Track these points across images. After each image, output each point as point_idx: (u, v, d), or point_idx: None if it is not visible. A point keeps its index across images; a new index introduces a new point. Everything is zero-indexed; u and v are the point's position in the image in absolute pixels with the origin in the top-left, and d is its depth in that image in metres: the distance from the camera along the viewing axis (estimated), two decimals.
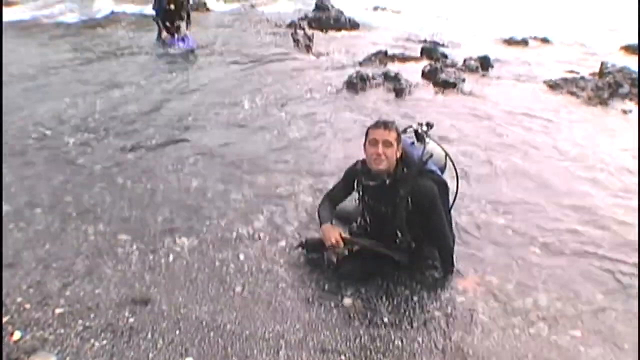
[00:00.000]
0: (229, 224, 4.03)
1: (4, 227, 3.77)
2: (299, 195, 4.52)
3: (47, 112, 6.31)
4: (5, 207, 4.03)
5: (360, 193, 3.53)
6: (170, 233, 3.86)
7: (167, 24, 10.05)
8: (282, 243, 3.83)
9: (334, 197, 3.75)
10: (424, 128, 3.67)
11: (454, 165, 3.70)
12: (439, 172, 3.49)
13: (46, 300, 3.04)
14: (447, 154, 3.69)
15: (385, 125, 3.27)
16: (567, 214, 4.40)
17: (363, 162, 3.50)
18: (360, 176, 3.46)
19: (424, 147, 3.47)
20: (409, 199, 3.25)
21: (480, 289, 3.41)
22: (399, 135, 3.29)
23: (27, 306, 2.96)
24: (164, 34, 10.03)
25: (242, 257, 3.64)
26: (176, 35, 10.02)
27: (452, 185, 3.60)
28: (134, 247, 3.67)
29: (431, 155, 3.42)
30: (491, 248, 3.88)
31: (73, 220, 3.94)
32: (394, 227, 3.37)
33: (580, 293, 3.42)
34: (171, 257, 3.59)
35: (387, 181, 3.28)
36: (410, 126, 3.69)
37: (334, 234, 3.36)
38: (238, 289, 3.32)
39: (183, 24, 10.15)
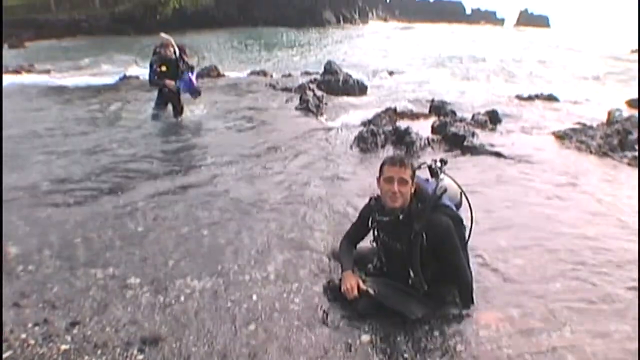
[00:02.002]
0: (242, 268, 3.93)
1: (12, 270, 3.71)
2: (312, 240, 4.43)
3: (60, 162, 6.48)
4: (14, 250, 3.98)
5: (375, 231, 3.48)
6: (181, 276, 3.76)
7: (164, 89, 9.16)
8: (296, 285, 3.70)
9: (351, 237, 3.77)
10: (438, 164, 3.63)
11: (467, 200, 3.62)
12: (453, 207, 3.42)
13: (52, 337, 2.93)
14: (462, 191, 3.61)
15: (400, 162, 3.24)
16: (585, 253, 4.28)
17: (377, 198, 3.46)
18: (375, 212, 3.42)
19: (438, 182, 3.43)
20: (424, 235, 3.18)
21: (503, 323, 3.26)
22: (414, 172, 3.28)
23: (32, 342, 2.87)
24: (168, 82, 9.01)
25: (255, 297, 3.52)
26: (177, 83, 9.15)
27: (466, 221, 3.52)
28: (144, 289, 3.57)
29: (445, 190, 3.35)
30: (511, 285, 3.75)
31: (82, 264, 3.86)
32: (408, 266, 3.28)
33: (607, 325, 3.27)
34: (182, 299, 3.47)
35: (401, 216, 3.24)
36: (425, 162, 3.66)
37: (352, 283, 3.33)
38: (251, 327, 3.19)
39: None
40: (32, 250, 4.03)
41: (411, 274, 3.28)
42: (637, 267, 4.00)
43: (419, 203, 3.25)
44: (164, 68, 8.89)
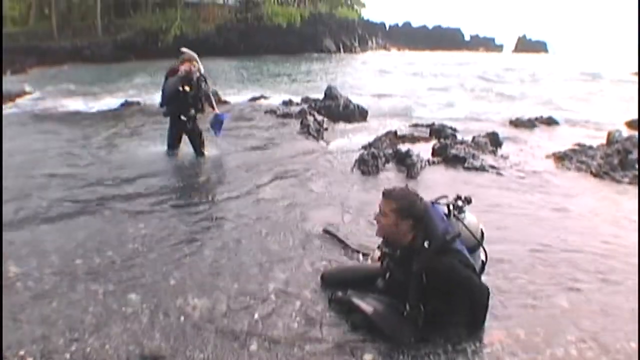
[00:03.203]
0: (243, 287, 3.89)
1: (11, 286, 3.70)
2: (314, 259, 4.40)
3: (61, 185, 6.50)
4: (14, 269, 3.97)
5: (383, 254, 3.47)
6: (182, 295, 3.73)
7: (182, 116, 7.65)
8: (298, 303, 3.67)
9: None
10: (459, 203, 3.44)
11: (484, 248, 3.46)
12: (466, 253, 3.21)
13: (50, 354, 2.91)
14: (479, 241, 3.40)
15: (386, 194, 3.28)
16: (588, 270, 4.27)
17: None
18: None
19: (450, 224, 3.26)
20: (424, 275, 3.08)
21: (507, 341, 3.22)
22: (400, 207, 3.19)
23: (30, 359, 2.83)
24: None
25: (256, 316, 3.48)
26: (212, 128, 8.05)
27: None
28: (144, 307, 3.53)
29: (458, 235, 3.18)
30: (514, 303, 3.70)
31: (82, 281, 3.84)
32: (406, 299, 3.21)
33: (612, 342, 3.24)
34: (183, 317, 3.44)
35: (398, 251, 3.23)
36: (446, 197, 3.48)
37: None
38: (253, 347, 3.15)
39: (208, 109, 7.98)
40: (32, 269, 4.01)
41: (407, 307, 3.19)
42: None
43: (427, 241, 3.12)
44: (187, 88, 7.46)
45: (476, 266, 3.35)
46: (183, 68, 7.35)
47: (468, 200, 3.49)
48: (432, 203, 3.38)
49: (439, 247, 3.09)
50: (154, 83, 17.94)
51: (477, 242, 3.38)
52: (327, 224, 5.10)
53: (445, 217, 3.31)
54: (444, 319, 3.21)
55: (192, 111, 7.69)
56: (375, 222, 3.34)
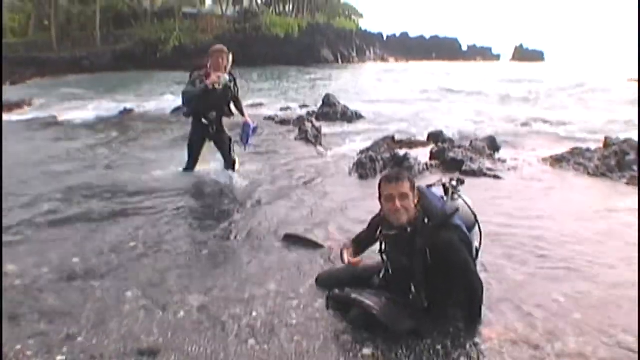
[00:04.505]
0: (241, 285, 3.88)
1: (9, 284, 3.70)
2: (311, 259, 4.40)
3: (61, 187, 6.53)
4: (11, 267, 3.97)
5: (382, 243, 3.47)
6: (180, 292, 3.73)
7: (204, 119, 6.60)
8: (296, 301, 3.66)
9: (358, 238, 3.83)
10: (454, 184, 3.60)
11: (478, 224, 3.52)
12: (464, 229, 3.32)
13: (48, 348, 2.90)
14: (474, 215, 3.50)
15: (397, 178, 3.24)
16: (585, 266, 4.27)
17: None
18: (382, 226, 3.41)
19: (449, 201, 3.40)
20: (428, 251, 3.13)
21: (506, 336, 3.21)
22: (412, 183, 3.25)
23: (28, 353, 2.83)
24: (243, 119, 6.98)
25: (254, 314, 3.47)
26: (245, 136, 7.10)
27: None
28: (142, 304, 3.53)
29: (457, 210, 3.30)
30: (513, 297, 3.70)
31: (80, 279, 3.85)
32: (411, 281, 3.24)
33: (611, 336, 3.23)
34: (181, 313, 3.43)
35: (409, 229, 3.20)
36: (440, 180, 3.64)
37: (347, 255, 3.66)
38: (251, 341, 3.14)
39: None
40: (30, 267, 4.02)
41: (412, 289, 3.23)
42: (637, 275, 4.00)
43: (427, 219, 3.20)
44: (217, 85, 6.38)
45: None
46: (215, 64, 6.41)
47: (461, 182, 3.65)
48: (428, 186, 3.48)
49: (440, 221, 3.17)
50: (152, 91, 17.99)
51: (473, 222, 3.46)
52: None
53: (442, 198, 3.41)
54: (443, 306, 3.29)
55: (215, 113, 6.65)
56: (392, 212, 3.22)
